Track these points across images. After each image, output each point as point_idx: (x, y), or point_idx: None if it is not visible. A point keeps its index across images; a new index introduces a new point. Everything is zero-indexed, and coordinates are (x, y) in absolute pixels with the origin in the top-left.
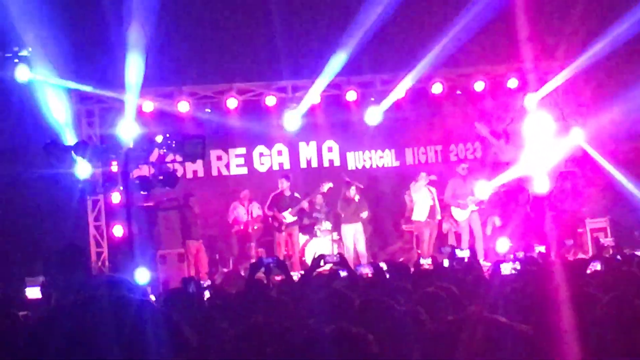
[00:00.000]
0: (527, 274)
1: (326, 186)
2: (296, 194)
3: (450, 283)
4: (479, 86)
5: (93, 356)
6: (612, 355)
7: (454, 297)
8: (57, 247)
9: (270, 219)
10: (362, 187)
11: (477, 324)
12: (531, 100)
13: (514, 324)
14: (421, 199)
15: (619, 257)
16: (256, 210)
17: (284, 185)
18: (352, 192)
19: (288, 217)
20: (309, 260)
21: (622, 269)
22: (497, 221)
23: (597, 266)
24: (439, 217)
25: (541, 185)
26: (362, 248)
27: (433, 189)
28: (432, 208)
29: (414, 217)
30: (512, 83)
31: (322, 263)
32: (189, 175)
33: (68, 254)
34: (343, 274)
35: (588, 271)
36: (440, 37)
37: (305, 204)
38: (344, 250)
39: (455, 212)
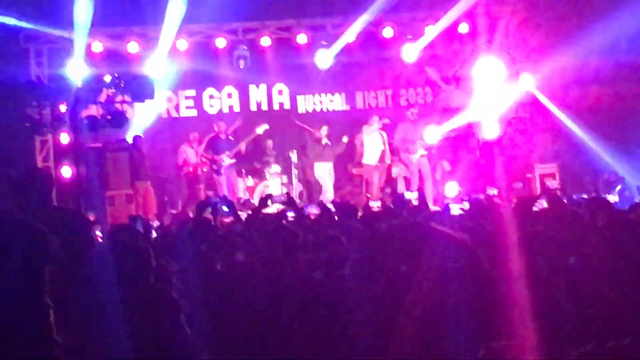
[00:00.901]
0: (475, 212)
1: (261, 128)
2: (230, 137)
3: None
4: (429, 31)
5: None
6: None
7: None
8: (23, 170)
9: (209, 162)
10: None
11: (411, 228)
12: (481, 45)
13: (451, 232)
14: (372, 143)
15: (565, 200)
16: None
17: (221, 127)
18: (324, 132)
19: (226, 160)
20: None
21: (567, 208)
22: (447, 166)
23: (543, 203)
24: (388, 161)
25: (491, 131)
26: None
27: (384, 133)
28: (383, 152)
29: (364, 161)
30: (463, 28)
31: (269, 203)
32: None
33: (31, 178)
34: (291, 214)
35: (535, 209)
36: None
37: (242, 147)
38: (320, 191)
39: (405, 156)
